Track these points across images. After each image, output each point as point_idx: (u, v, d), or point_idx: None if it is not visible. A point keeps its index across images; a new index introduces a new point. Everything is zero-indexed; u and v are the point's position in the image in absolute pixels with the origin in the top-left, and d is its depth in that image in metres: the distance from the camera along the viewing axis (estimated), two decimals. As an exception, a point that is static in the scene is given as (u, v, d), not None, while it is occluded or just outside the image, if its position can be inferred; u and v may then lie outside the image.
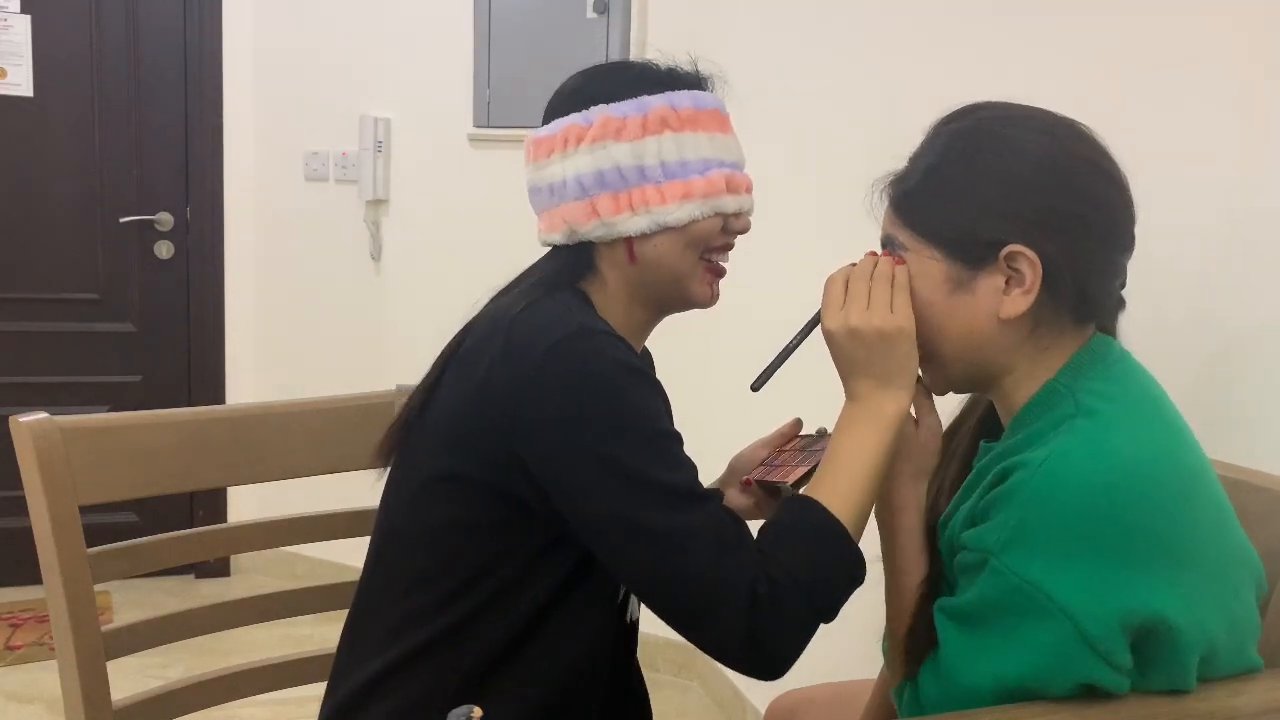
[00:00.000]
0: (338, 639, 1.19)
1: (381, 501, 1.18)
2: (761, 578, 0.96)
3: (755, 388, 1.08)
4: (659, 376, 1.29)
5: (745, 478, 1.23)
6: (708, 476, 1.12)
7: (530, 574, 1.07)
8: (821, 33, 2.22)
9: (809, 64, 2.26)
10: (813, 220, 2.17)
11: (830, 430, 1.27)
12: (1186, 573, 0.86)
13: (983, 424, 1.10)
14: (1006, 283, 0.93)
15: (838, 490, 1.01)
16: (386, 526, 1.16)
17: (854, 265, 1.02)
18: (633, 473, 0.99)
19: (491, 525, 1.06)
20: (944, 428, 1.15)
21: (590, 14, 2.74)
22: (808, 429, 1.31)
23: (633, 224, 1.09)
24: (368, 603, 1.17)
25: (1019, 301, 0.92)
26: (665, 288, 1.14)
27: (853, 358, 1.01)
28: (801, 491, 1.05)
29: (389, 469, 1.18)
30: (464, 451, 1.07)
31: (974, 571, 0.90)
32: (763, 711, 1.52)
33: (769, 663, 0.97)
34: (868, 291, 0.99)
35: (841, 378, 1.04)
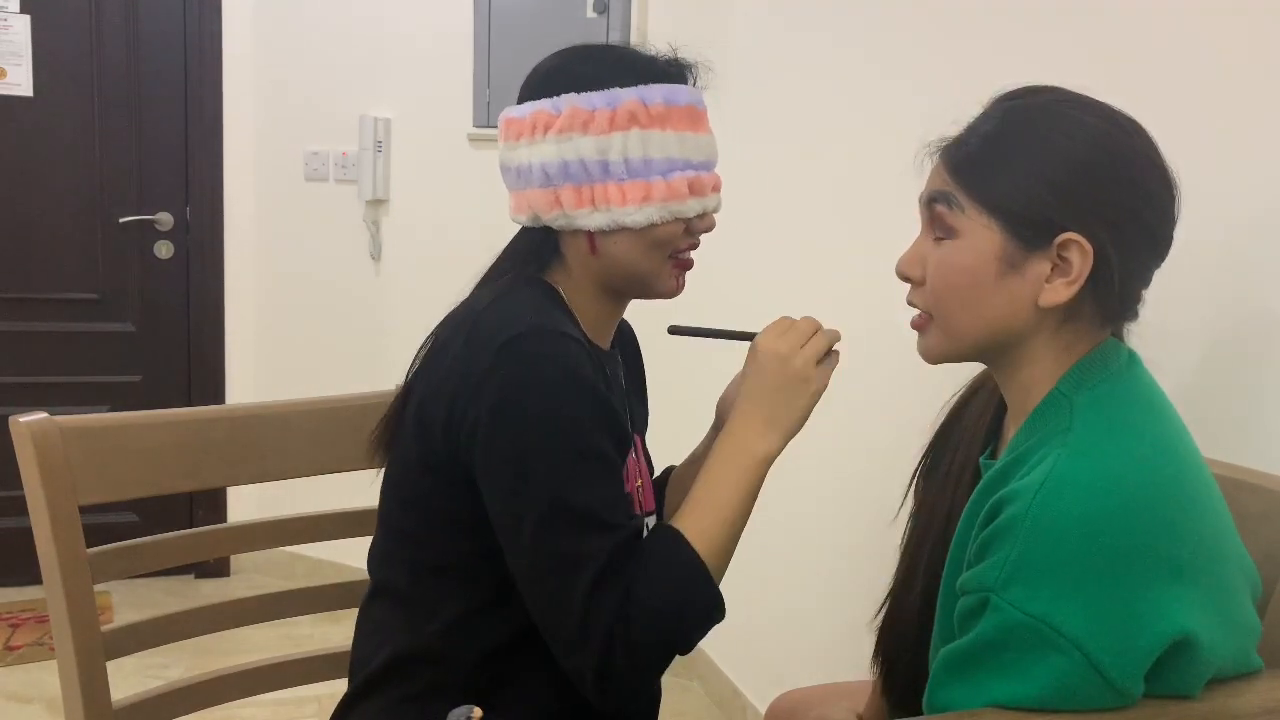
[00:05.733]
0: (337, 639, 1.19)
1: (380, 495, 1.20)
2: (622, 616, 0.97)
3: (671, 331, 1.14)
4: (653, 360, 1.29)
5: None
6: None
7: None
8: (822, 31, 2.22)
9: (809, 62, 2.26)
10: (817, 214, 2.17)
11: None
12: (1196, 587, 0.84)
13: (984, 421, 1.09)
14: (1052, 270, 0.90)
15: (704, 529, 1.03)
16: (386, 521, 1.17)
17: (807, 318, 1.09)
18: (546, 485, 1.00)
19: (478, 519, 1.06)
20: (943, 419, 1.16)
21: (590, 14, 2.74)
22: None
23: (592, 220, 1.10)
24: (381, 591, 1.18)
25: (1060, 291, 0.89)
26: (627, 281, 1.15)
27: (761, 382, 1.06)
28: (670, 523, 1.06)
29: (386, 463, 1.19)
30: (434, 445, 1.07)
31: (975, 616, 0.86)
32: (763, 711, 1.51)
33: (614, 698, 1.00)
34: (811, 334, 1.07)
35: (740, 396, 1.08)
